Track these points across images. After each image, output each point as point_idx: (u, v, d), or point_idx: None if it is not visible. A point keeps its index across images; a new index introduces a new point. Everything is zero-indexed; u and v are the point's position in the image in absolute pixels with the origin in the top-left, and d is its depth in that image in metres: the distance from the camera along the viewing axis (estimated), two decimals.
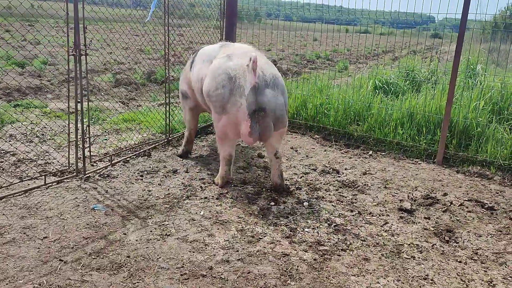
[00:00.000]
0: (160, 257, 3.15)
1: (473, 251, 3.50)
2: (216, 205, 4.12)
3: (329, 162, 5.56)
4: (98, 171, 4.79)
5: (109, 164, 4.98)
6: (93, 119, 6.88)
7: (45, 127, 6.22)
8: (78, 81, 4.54)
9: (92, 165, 4.94)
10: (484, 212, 4.23)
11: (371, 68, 9.75)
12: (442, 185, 4.89)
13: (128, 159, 5.23)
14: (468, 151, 5.56)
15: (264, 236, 3.57)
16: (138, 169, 4.91)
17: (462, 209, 4.27)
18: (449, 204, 4.38)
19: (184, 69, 5.32)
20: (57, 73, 10.53)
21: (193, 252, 3.25)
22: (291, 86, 7.69)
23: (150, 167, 5.02)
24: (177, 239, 3.43)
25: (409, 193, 4.63)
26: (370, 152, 5.98)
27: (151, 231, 3.53)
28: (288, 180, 4.86)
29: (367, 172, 5.26)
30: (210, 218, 3.84)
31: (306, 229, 3.75)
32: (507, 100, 6.28)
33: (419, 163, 5.64)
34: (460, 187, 4.86)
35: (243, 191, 4.48)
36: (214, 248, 3.32)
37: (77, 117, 4.58)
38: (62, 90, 8.81)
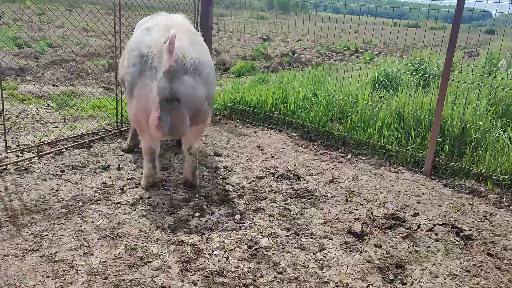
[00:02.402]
0: None
1: None
2: (124, 213, 3.43)
3: (295, 165, 4.76)
4: (19, 163, 4.21)
5: (35, 155, 4.40)
6: (59, 105, 6.37)
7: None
8: None
9: (17, 156, 4.37)
10: (457, 242, 3.34)
11: (373, 61, 8.79)
12: (418, 202, 4.00)
13: (63, 150, 4.63)
14: (462, 161, 4.61)
15: (156, 259, 2.86)
16: (64, 163, 4.30)
17: (429, 236, 3.40)
18: (416, 228, 3.51)
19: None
20: (55, 55, 10.14)
21: (48, 277, 2.58)
22: (283, 76, 6.88)
23: (81, 161, 4.40)
24: (41, 256, 2.77)
25: (372, 210, 3.79)
26: (349, 156, 5.12)
27: (17, 244, 2.89)
28: (233, 185, 4.12)
29: (335, 180, 4.43)
30: (104, 229, 3.16)
31: (216, 252, 3.01)
32: None
33: (402, 172, 4.74)
34: (440, 205, 3.96)
35: (170, 197, 3.78)
36: (77, 273, 2.64)
37: None
38: (46, 73, 8.35)
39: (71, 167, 4.23)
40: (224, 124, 6.09)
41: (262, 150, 5.15)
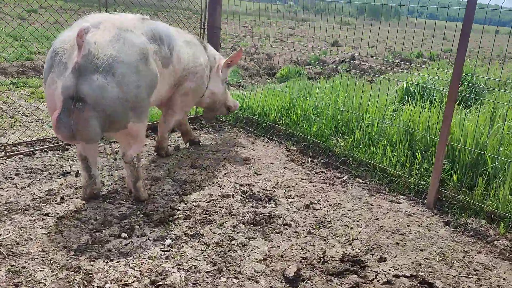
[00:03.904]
0: None
1: None
2: (42, 227, 3.13)
3: (276, 184, 4.19)
4: None
5: (3, 155, 4.28)
6: None
7: (15, 108, 5.82)
8: None
9: None
10: None
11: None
12: (397, 243, 3.26)
13: (37, 151, 4.49)
14: (472, 195, 3.75)
15: None
16: (26, 166, 4.12)
17: None
18: (372, 277, 2.81)
19: None
20: None
21: None
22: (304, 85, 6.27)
23: (45, 164, 4.20)
24: None
25: (331, 248, 3.13)
26: (345, 177, 4.44)
27: None
28: (187, 203, 3.67)
29: (312, 205, 3.81)
30: (5, 245, 2.87)
31: (108, 285, 2.58)
32: None
33: (399, 202, 3.98)
34: (423, 250, 3.19)
35: (109, 211, 3.42)
36: None
37: None
38: None
39: (30, 170, 4.04)
40: (225, 133, 5.65)
41: (247, 164, 4.63)
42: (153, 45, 3.51)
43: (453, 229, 3.56)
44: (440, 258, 3.09)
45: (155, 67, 3.42)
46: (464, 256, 3.15)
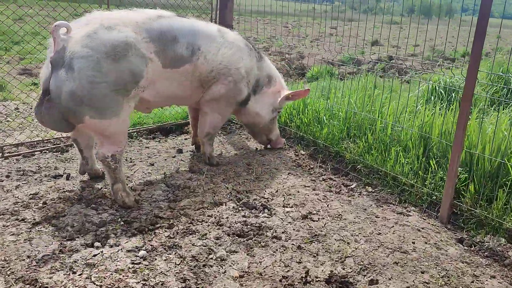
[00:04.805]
0: None
1: None
2: (13, 234, 2.98)
3: (276, 191, 3.90)
4: None
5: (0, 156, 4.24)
6: None
7: (31, 108, 5.87)
8: None
9: None
10: None
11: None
12: (396, 263, 2.89)
13: (36, 152, 4.42)
14: (491, 209, 3.30)
15: None
16: (20, 167, 4.04)
17: None
18: None
19: None
20: None
21: None
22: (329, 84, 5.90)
23: (40, 166, 4.11)
24: None
25: (320, 265, 2.81)
26: (353, 185, 4.08)
27: None
28: (174, 211, 3.45)
29: (310, 216, 3.49)
30: None
31: None
32: None
33: (409, 215, 3.58)
34: (424, 272, 2.80)
35: (89, 218, 3.25)
36: None
37: None
38: None
39: (22, 172, 3.95)
40: (236, 135, 5.40)
41: (250, 169, 4.36)
42: (151, 44, 3.39)
43: (466, 248, 3.14)
44: (443, 283, 2.70)
45: (135, 66, 3.27)
46: (473, 281, 2.74)
